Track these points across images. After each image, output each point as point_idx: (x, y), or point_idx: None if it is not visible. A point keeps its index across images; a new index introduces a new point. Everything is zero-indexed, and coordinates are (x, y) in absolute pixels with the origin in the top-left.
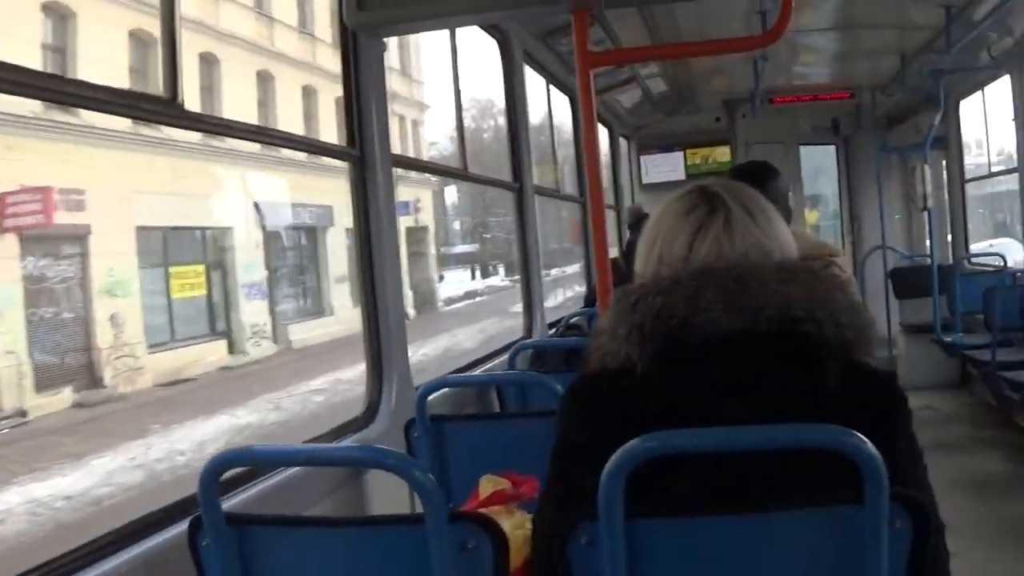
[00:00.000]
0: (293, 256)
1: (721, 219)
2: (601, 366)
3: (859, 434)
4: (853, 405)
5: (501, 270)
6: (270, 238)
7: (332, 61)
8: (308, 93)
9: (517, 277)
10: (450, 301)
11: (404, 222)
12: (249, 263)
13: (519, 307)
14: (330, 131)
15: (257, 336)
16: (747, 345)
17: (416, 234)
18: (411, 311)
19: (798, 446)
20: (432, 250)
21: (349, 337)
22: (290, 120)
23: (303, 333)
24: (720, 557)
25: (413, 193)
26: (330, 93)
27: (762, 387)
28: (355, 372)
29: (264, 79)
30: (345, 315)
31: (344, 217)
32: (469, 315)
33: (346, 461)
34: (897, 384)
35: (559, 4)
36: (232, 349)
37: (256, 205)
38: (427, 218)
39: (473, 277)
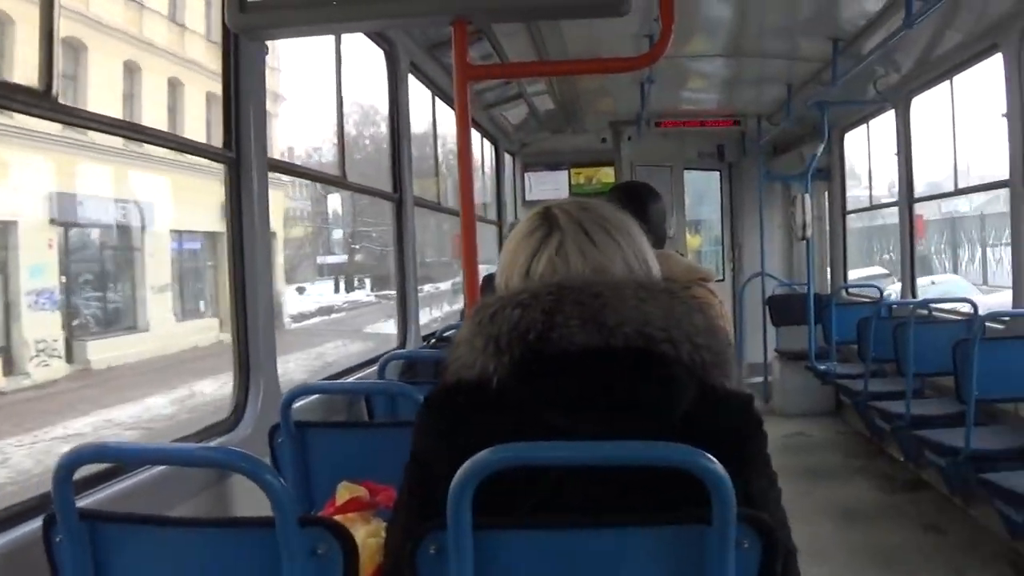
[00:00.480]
0: (101, 259)
1: (556, 242)
2: (458, 378)
3: (708, 454)
4: (707, 426)
5: (369, 283)
6: (70, 236)
7: (204, 54)
8: (174, 85)
9: (386, 292)
10: (300, 317)
11: None
12: (37, 265)
13: (379, 325)
14: (198, 126)
15: (44, 354)
16: (603, 361)
17: None
18: None
19: (647, 463)
20: (280, 259)
21: (167, 357)
22: (157, 113)
23: (106, 352)
24: (568, 571)
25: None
26: (199, 86)
27: (616, 404)
28: (166, 402)
29: (131, 69)
30: (165, 331)
31: (169, 216)
32: (314, 335)
33: (200, 462)
34: (753, 407)
35: (440, 15)
36: (9, 370)
37: (52, 196)
38: (276, 222)
39: (337, 290)
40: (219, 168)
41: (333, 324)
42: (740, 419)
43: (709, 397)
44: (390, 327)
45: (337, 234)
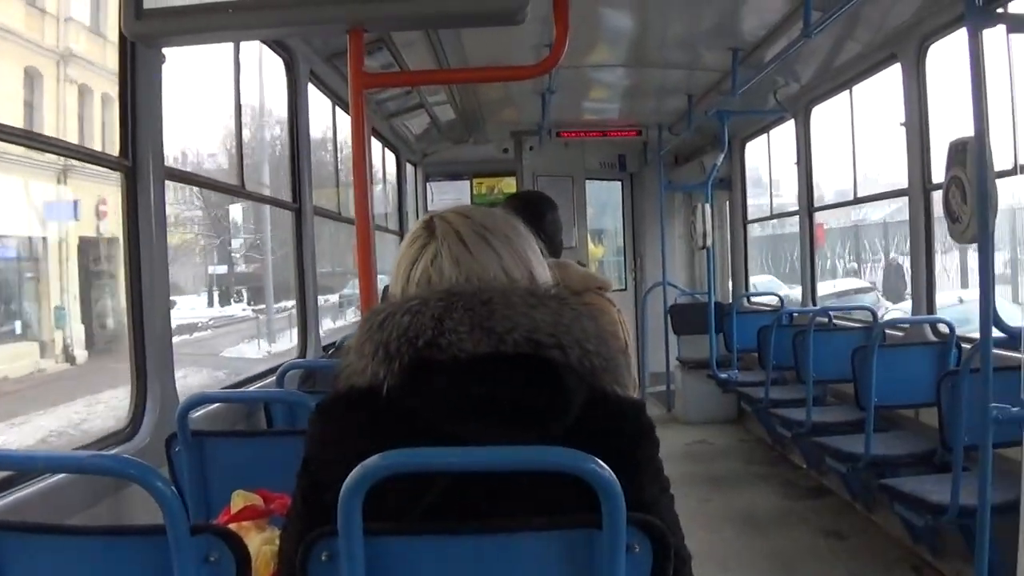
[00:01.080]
0: None
1: (432, 250)
2: (349, 384)
3: (597, 459)
4: (597, 431)
5: (247, 295)
6: None
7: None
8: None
9: (263, 306)
10: None
11: (75, 229)
12: None
13: (243, 348)
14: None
15: None
16: (492, 367)
17: (95, 248)
18: (81, 353)
19: (537, 469)
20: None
21: None
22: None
23: None
24: None
25: (91, 191)
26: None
27: (506, 410)
28: None
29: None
30: None
31: None
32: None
33: (90, 469)
34: (644, 413)
35: (336, 23)
36: None
37: None
38: (115, 226)
39: (211, 304)
40: (44, 162)
41: (188, 345)
42: (631, 424)
43: (600, 403)
44: (256, 349)
45: (236, 243)
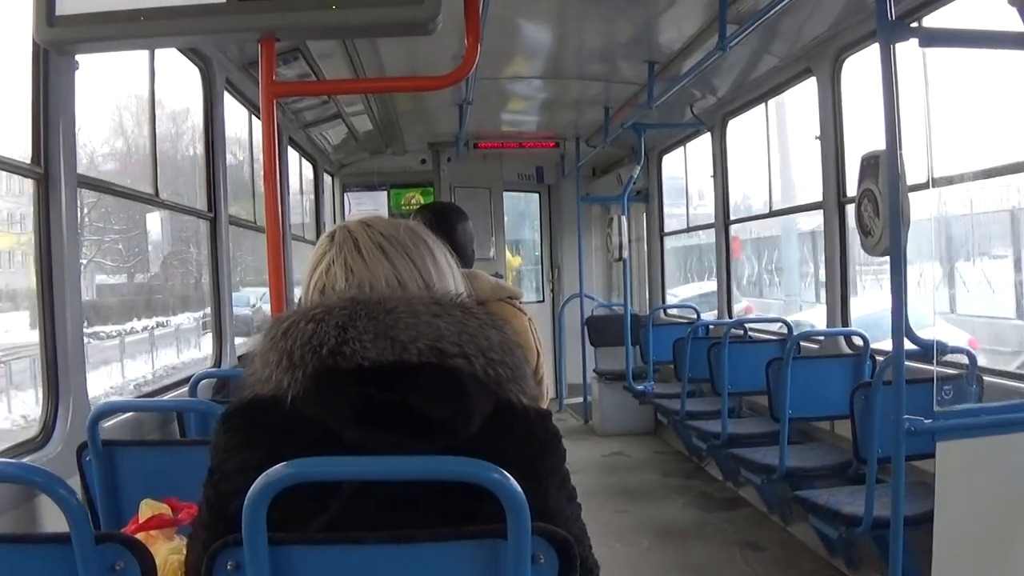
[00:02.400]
0: None
1: (328, 259)
2: (253, 393)
3: (500, 469)
4: (502, 441)
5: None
6: None
7: None
8: None
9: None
10: None
11: None
12: None
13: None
14: None
15: None
16: (396, 376)
17: None
18: None
19: (440, 478)
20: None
21: None
22: None
23: None
24: None
25: None
26: None
27: (411, 419)
28: None
29: None
30: None
31: None
32: None
33: None
34: (550, 422)
35: (248, 32)
36: None
37: None
38: None
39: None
40: None
41: None
42: (536, 434)
43: (505, 412)
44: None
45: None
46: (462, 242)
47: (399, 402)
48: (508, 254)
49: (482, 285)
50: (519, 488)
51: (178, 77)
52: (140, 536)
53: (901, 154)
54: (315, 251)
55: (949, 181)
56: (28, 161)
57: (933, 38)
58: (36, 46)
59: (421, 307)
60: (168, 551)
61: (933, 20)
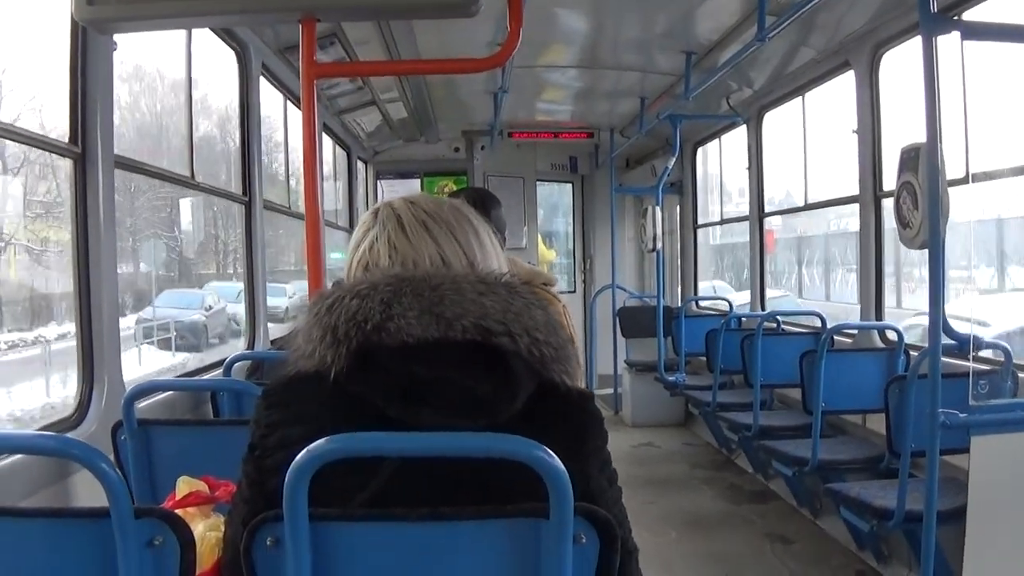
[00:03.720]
0: None
1: (371, 236)
2: (296, 369)
3: (545, 447)
4: (545, 420)
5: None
6: None
7: None
8: None
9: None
10: None
11: None
12: None
13: None
14: None
15: None
16: (441, 353)
17: None
18: None
19: (484, 455)
20: None
21: None
22: None
23: None
24: (405, 563)
25: None
26: None
27: (454, 396)
28: None
29: None
30: None
31: None
32: None
33: (33, 449)
34: (592, 404)
35: (289, 12)
36: None
37: None
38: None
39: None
40: None
41: None
42: (580, 414)
43: (548, 392)
44: None
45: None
46: (495, 228)
47: (443, 379)
48: (542, 247)
49: (518, 270)
50: (563, 467)
51: (214, 61)
52: (177, 513)
53: (942, 147)
54: (358, 228)
55: (988, 176)
56: (66, 141)
57: (975, 32)
58: (75, 25)
59: (466, 285)
60: (205, 528)
61: (974, 14)
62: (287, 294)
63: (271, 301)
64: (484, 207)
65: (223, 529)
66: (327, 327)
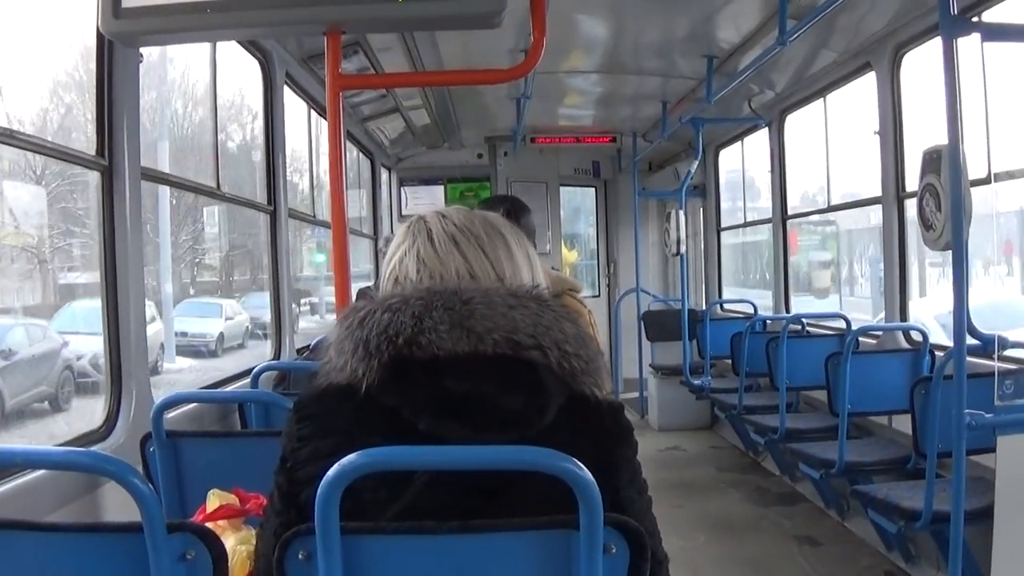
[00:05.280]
0: None
1: (403, 250)
2: (328, 382)
3: (574, 459)
4: (575, 432)
5: None
6: None
7: None
8: None
9: None
10: None
11: None
12: None
13: None
14: None
15: None
16: (471, 367)
17: None
18: None
19: (514, 468)
20: None
21: None
22: None
23: None
24: None
25: None
26: None
27: (485, 409)
28: None
29: None
30: None
31: None
32: None
33: (65, 465)
34: (623, 415)
35: (314, 24)
36: None
37: None
38: None
39: None
40: None
41: None
42: (610, 426)
43: (579, 404)
44: None
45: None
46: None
47: (474, 393)
48: (564, 249)
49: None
50: (592, 478)
51: (238, 71)
52: (208, 526)
53: (963, 149)
54: (394, 241)
55: (1010, 176)
56: (93, 153)
57: (996, 33)
58: (101, 38)
59: (497, 298)
60: (236, 542)
61: (994, 15)
62: (223, 314)
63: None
64: (515, 215)
65: (254, 542)
66: (359, 340)
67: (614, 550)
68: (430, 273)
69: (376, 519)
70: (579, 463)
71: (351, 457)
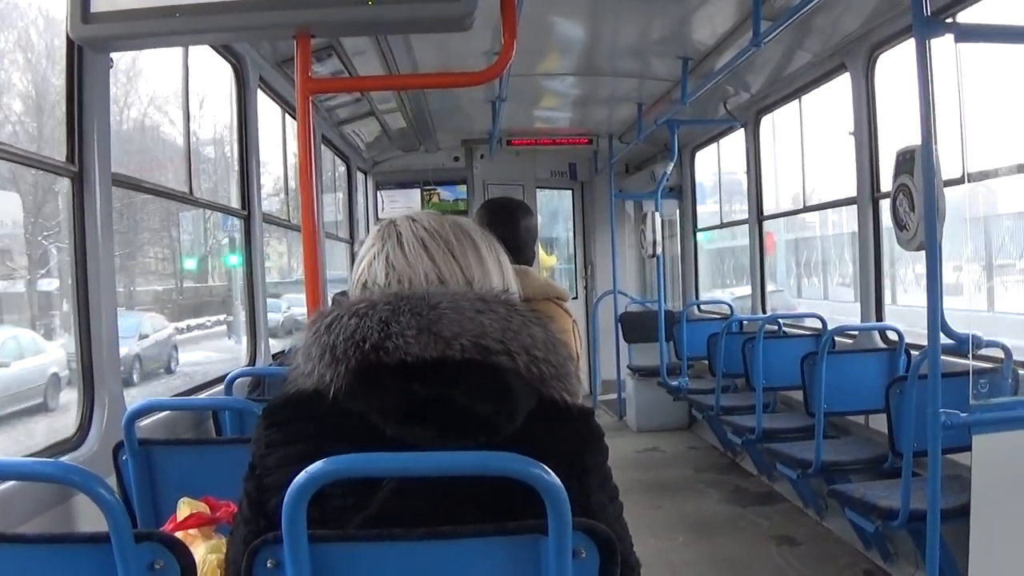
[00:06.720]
0: None
1: (372, 254)
2: (296, 387)
3: (541, 464)
4: (544, 438)
5: None
6: None
7: None
8: None
9: None
10: None
11: None
12: None
13: None
14: None
15: None
16: (439, 372)
17: None
18: None
19: (482, 474)
20: None
21: None
22: None
23: None
24: None
25: None
26: None
27: (454, 415)
28: None
29: None
30: None
31: None
32: None
33: (31, 476)
34: (593, 420)
35: (283, 28)
36: None
37: None
38: None
39: None
40: None
41: None
42: (578, 431)
43: (548, 409)
44: None
45: None
46: (523, 239)
47: (442, 398)
48: (542, 253)
49: (532, 282)
50: (560, 483)
51: (212, 75)
52: (179, 535)
53: (936, 149)
54: (364, 244)
55: (984, 176)
56: (63, 159)
57: (968, 34)
58: (71, 43)
59: (465, 303)
60: (207, 550)
61: (968, 16)
62: (138, 331)
63: None
64: (514, 218)
65: (224, 551)
66: (326, 346)
67: (584, 555)
68: (399, 277)
69: (345, 526)
70: (547, 468)
71: (318, 464)
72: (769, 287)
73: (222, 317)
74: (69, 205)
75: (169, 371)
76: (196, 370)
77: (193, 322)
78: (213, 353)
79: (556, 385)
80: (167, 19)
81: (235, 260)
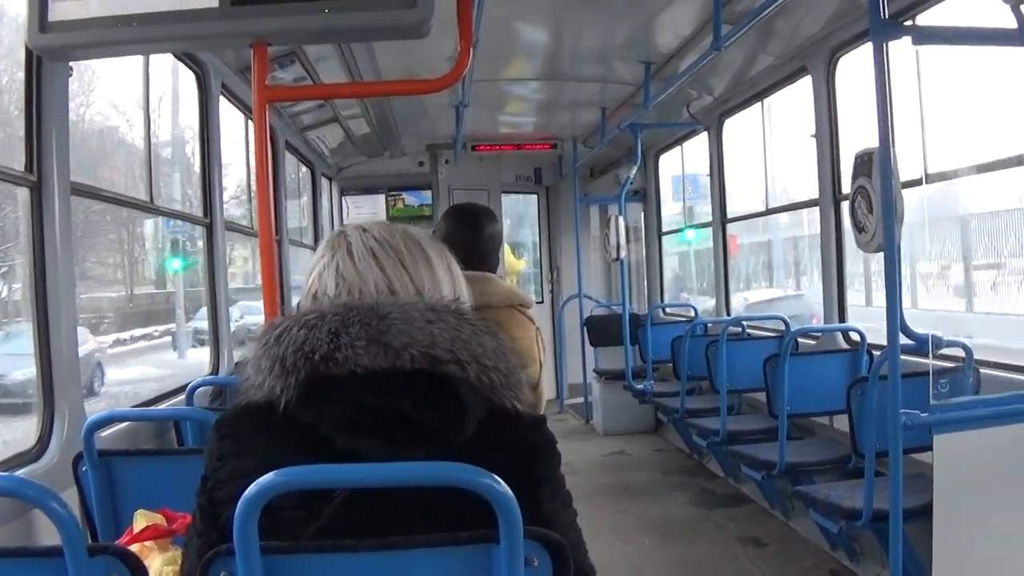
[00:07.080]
0: None
1: (322, 264)
2: (247, 399)
3: (492, 474)
4: (495, 447)
5: None
6: None
7: None
8: None
9: None
10: None
11: None
12: None
13: None
14: None
15: None
16: (389, 383)
17: None
18: None
19: (431, 484)
20: None
21: None
22: None
23: None
24: None
25: None
26: None
27: (404, 425)
28: None
29: None
30: None
31: None
32: None
33: None
34: (545, 428)
35: (240, 37)
36: None
37: None
38: None
39: None
40: None
41: None
42: (530, 439)
43: (499, 418)
44: None
45: None
46: (488, 246)
47: (392, 409)
48: (511, 257)
49: (496, 289)
50: (510, 492)
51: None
52: (135, 547)
53: (894, 151)
54: (315, 255)
55: (943, 177)
56: (21, 169)
57: (926, 36)
58: (29, 52)
59: (415, 313)
60: (163, 562)
61: (926, 18)
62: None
63: None
64: (478, 224)
65: (180, 563)
66: (275, 357)
67: (536, 563)
68: (349, 288)
69: (297, 538)
70: (497, 478)
71: (268, 476)
72: (787, 291)
73: (169, 327)
74: (28, 215)
75: (92, 393)
76: (125, 390)
77: (128, 335)
78: (151, 369)
79: (507, 394)
80: (125, 28)
81: (178, 265)
